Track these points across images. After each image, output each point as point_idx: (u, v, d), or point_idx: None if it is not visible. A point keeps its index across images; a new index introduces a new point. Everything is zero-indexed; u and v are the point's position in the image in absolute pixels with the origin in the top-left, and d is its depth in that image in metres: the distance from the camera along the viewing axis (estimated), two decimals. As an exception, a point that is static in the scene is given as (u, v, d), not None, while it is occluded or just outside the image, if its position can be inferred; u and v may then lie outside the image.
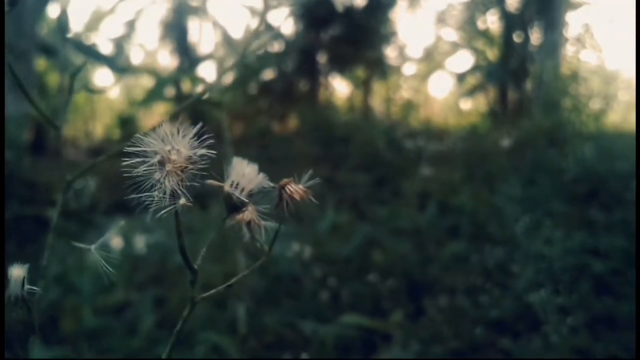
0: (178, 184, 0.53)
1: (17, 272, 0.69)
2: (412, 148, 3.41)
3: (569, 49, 9.20)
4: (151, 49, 11.91)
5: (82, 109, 10.45)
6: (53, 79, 9.07)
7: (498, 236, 3.32)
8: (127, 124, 9.03)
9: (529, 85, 9.73)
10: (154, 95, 8.24)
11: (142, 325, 2.04)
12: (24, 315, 0.70)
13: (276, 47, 11.29)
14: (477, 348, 2.27)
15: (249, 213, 0.60)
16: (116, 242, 2.90)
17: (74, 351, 1.97)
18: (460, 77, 11.81)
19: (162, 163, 0.53)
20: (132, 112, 9.74)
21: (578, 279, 2.49)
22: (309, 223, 3.29)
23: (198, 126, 0.55)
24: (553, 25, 9.01)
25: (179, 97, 8.56)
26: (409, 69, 12.83)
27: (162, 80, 8.04)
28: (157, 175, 0.53)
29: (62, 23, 7.22)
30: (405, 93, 11.30)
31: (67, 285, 2.30)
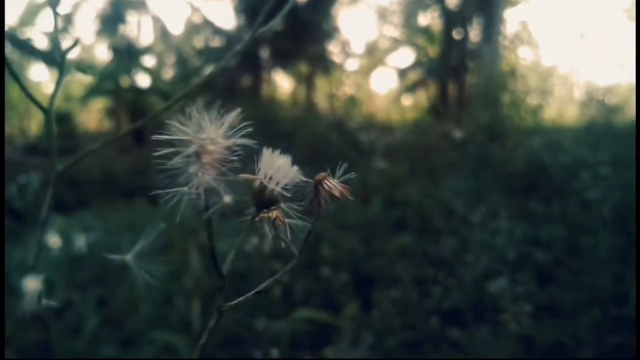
0: (215, 178, 0.47)
1: (32, 284, 0.59)
2: (365, 141, 3.40)
3: (507, 46, 9.43)
4: (88, 44, 11.58)
5: (16, 106, 10.04)
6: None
7: (443, 228, 3.36)
8: (63, 121, 8.74)
9: (468, 81, 9.93)
10: (94, 90, 8.02)
11: (86, 325, 1.97)
12: (39, 334, 0.59)
13: (217, 42, 11.17)
14: (428, 339, 2.29)
15: (277, 211, 0.54)
16: (54, 241, 2.80)
17: (17, 353, 1.89)
18: (402, 73, 11.96)
19: (197, 154, 0.47)
20: (68, 108, 9.45)
21: (522, 268, 2.54)
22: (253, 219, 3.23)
23: (235, 112, 0.50)
24: (492, 22, 9.21)
25: (118, 92, 8.36)
26: (351, 64, 12.91)
27: (104, 75, 7.83)
28: (192, 169, 0.47)
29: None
30: (348, 88, 11.35)
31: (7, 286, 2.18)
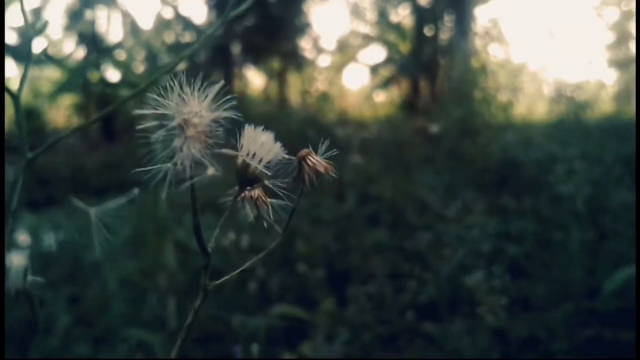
0: (201, 151, 0.46)
1: (17, 259, 0.57)
2: (342, 137, 3.40)
3: (478, 43, 9.51)
4: (56, 39, 11.37)
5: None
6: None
7: (417, 223, 3.38)
8: (32, 117, 8.58)
9: (440, 77, 9.99)
10: (63, 86, 7.87)
11: (57, 324, 1.93)
12: (26, 312, 0.58)
13: (187, 37, 11.07)
14: (403, 333, 2.30)
15: (258, 190, 0.52)
16: (23, 239, 2.75)
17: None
18: (374, 70, 11.99)
19: (181, 127, 0.46)
20: (37, 105, 9.27)
21: (495, 262, 2.56)
22: (230, 214, 3.22)
23: (219, 85, 0.48)
24: (463, 19, 9.29)
25: (87, 88, 8.22)
26: (323, 60, 12.90)
27: (75, 71, 7.68)
28: (177, 142, 0.46)
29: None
30: (320, 84, 11.34)
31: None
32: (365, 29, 13.07)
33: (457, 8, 9.44)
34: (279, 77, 11.57)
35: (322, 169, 0.52)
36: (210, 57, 10.53)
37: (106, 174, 5.83)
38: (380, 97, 12.08)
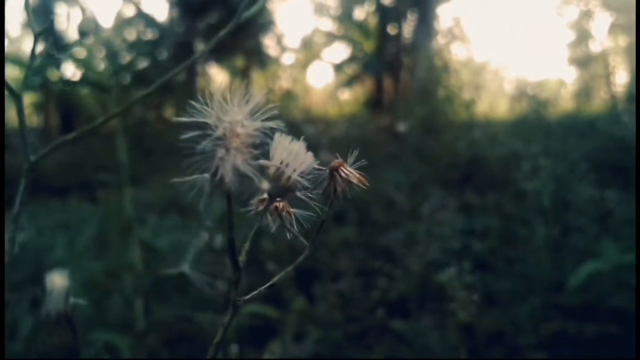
0: (245, 162, 0.44)
1: (58, 281, 0.54)
2: (311, 134, 3.39)
3: (440, 41, 9.61)
4: (15, 36, 11.11)
5: None
6: None
7: (383, 221, 3.39)
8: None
9: (404, 76, 10.07)
10: (23, 85, 7.67)
11: (21, 327, 1.88)
12: (65, 336, 0.54)
13: (149, 34, 10.92)
14: (372, 330, 2.30)
15: (283, 201, 0.50)
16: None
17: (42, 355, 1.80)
18: (338, 68, 12.02)
19: (224, 137, 0.44)
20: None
21: (462, 258, 2.58)
22: (194, 215, 3.19)
23: (262, 93, 0.46)
24: (426, 18, 9.37)
25: (47, 86, 8.04)
26: (287, 58, 12.88)
27: (36, 69, 7.48)
28: (220, 153, 0.43)
29: None
30: (284, 82, 11.31)
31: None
32: (329, 27, 13.09)
33: (420, 7, 9.52)
34: (242, 75, 11.50)
35: (355, 180, 0.51)
36: (172, 55, 10.41)
37: (67, 174, 5.72)
38: (345, 95, 12.12)
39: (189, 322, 2.00)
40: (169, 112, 9.50)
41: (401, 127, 4.86)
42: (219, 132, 0.44)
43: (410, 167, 4.38)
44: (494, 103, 7.73)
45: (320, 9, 12.88)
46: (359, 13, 12.04)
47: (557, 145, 3.45)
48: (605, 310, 2.21)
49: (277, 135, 0.48)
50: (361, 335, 2.31)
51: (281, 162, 0.48)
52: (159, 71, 9.99)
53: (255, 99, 0.46)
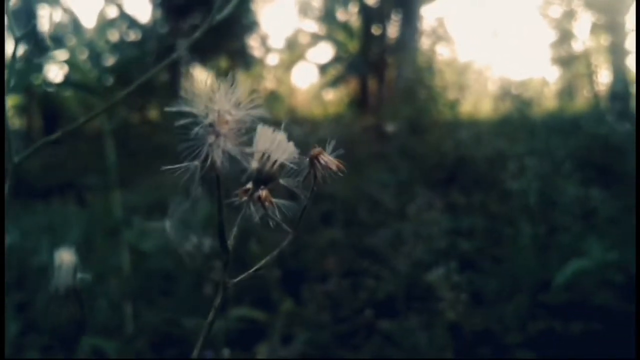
0: (235, 148, 0.47)
1: (67, 257, 0.57)
2: (299, 135, 3.39)
3: (424, 42, 9.64)
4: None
5: None
6: None
7: (370, 221, 3.39)
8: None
9: (388, 76, 10.10)
10: (11, 88, 7.57)
11: (7, 331, 1.86)
12: (75, 310, 0.56)
13: (132, 36, 10.85)
14: (360, 330, 2.30)
15: (265, 190, 0.52)
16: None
17: (51, 331, 1.79)
18: (322, 68, 12.02)
19: (213, 125, 0.47)
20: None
21: (448, 258, 2.59)
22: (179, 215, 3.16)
23: (246, 84, 0.48)
24: (410, 18, 9.39)
25: (29, 89, 7.96)
26: (271, 59, 12.87)
27: (21, 72, 7.40)
28: (210, 139, 0.46)
29: None
30: (269, 83, 11.30)
31: None
32: (314, 27, 13.10)
33: (404, 7, 9.54)
34: (226, 76, 11.45)
35: (334, 167, 0.53)
36: (156, 57, 10.34)
37: (50, 175, 5.67)
38: (330, 95, 12.13)
39: (177, 326, 1.99)
40: (153, 114, 9.45)
41: (389, 127, 4.88)
42: (209, 120, 0.47)
43: (396, 167, 4.39)
44: (478, 103, 7.77)
45: (305, 10, 12.89)
46: (343, 14, 12.06)
47: (542, 145, 3.47)
48: (591, 308, 2.23)
49: (259, 126, 0.50)
50: (349, 335, 2.30)
51: (264, 151, 0.51)
52: (142, 72, 9.90)
53: (240, 90, 0.49)
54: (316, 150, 0.53)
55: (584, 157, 3.30)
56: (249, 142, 0.49)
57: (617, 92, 5.83)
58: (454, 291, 1.91)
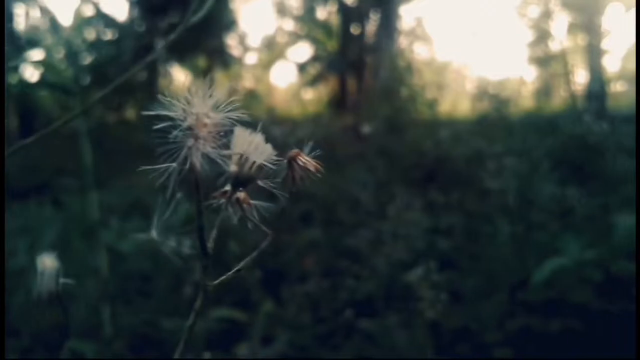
0: (214, 149, 0.47)
1: (49, 262, 0.57)
2: (278, 135, 3.38)
3: (403, 41, 9.67)
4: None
5: None
6: None
7: (350, 221, 3.39)
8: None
9: (367, 75, 10.11)
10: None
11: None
12: (58, 315, 0.57)
13: (110, 34, 10.74)
14: (340, 330, 2.30)
15: (243, 192, 0.52)
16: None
17: (33, 337, 1.76)
18: (301, 67, 12.01)
19: (192, 128, 0.46)
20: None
21: (427, 256, 2.60)
22: (158, 216, 3.13)
23: (226, 87, 0.48)
24: (388, 18, 9.42)
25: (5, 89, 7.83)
26: (250, 58, 12.82)
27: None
28: (189, 142, 0.46)
29: None
30: (247, 82, 11.25)
31: None
32: (292, 26, 13.08)
33: (383, 7, 9.56)
34: (205, 75, 11.38)
35: (312, 168, 0.53)
36: (134, 55, 10.25)
37: (26, 176, 5.58)
38: (309, 94, 12.12)
39: (155, 327, 1.97)
40: (130, 113, 9.36)
41: (365, 129, 4.89)
42: (187, 123, 0.47)
43: (375, 166, 4.40)
44: (457, 102, 7.81)
45: (283, 9, 12.86)
46: (322, 13, 12.06)
47: (519, 144, 3.50)
48: (569, 305, 2.25)
49: (237, 129, 0.50)
50: (329, 335, 2.30)
51: (242, 153, 0.50)
52: (119, 71, 9.82)
53: (218, 93, 0.48)
54: (294, 151, 0.53)
55: (560, 156, 3.32)
56: (227, 145, 0.49)
57: (594, 92, 5.90)
58: (433, 291, 1.92)
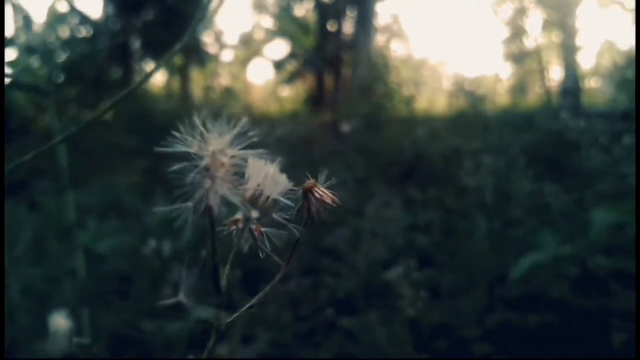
0: (231, 191, 0.45)
1: (62, 322, 0.56)
2: (256, 134, 3.37)
3: (380, 39, 9.70)
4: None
5: None
6: None
7: (328, 219, 3.39)
8: None
9: (344, 72, 10.13)
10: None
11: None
12: None
13: (84, 32, 10.61)
14: (321, 328, 2.30)
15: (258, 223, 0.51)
16: None
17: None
18: (278, 65, 11.99)
19: (208, 168, 0.45)
20: None
21: (406, 253, 2.61)
22: (136, 217, 3.12)
23: (243, 121, 0.46)
24: (365, 15, 9.44)
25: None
26: (227, 55, 12.77)
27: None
28: (207, 184, 0.44)
29: None
30: (224, 80, 11.20)
31: None
32: (269, 23, 13.05)
33: (360, 4, 9.58)
34: (181, 73, 11.32)
35: (329, 200, 0.52)
36: (108, 53, 10.13)
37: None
38: (286, 92, 12.10)
39: (135, 329, 1.95)
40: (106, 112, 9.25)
41: (345, 127, 4.90)
42: (204, 163, 0.45)
43: (354, 164, 4.41)
44: (433, 99, 7.86)
45: (260, 6, 12.82)
46: (299, 10, 12.05)
47: (496, 140, 3.53)
48: (547, 301, 2.28)
49: (251, 160, 0.48)
50: (310, 333, 2.31)
51: (258, 186, 0.49)
52: (94, 69, 9.71)
53: (237, 127, 0.47)
54: (310, 182, 0.52)
55: (536, 153, 3.36)
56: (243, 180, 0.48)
57: (569, 88, 5.98)
58: (413, 289, 1.93)
